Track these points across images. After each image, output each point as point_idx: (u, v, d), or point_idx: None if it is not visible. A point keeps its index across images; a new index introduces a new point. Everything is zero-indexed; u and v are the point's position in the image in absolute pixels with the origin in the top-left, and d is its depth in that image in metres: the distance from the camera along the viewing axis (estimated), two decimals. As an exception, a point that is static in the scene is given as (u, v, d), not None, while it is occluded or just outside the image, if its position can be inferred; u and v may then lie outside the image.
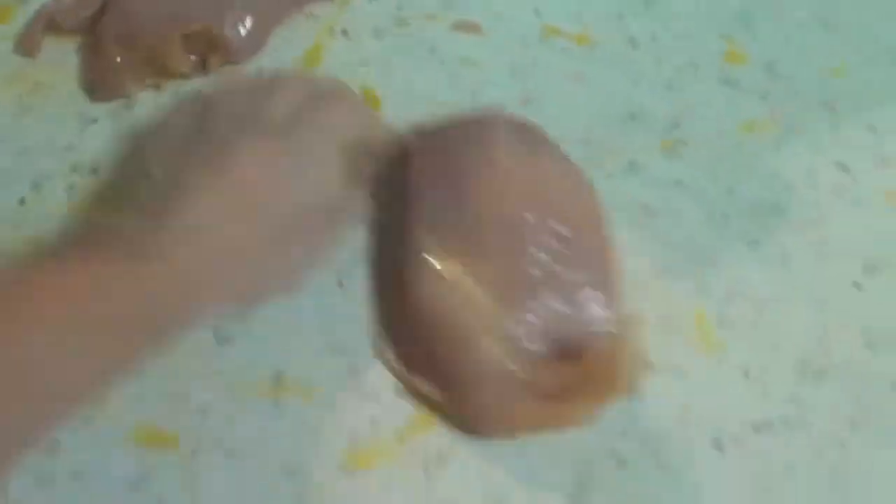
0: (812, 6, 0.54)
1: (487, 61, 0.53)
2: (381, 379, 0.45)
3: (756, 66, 0.51)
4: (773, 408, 0.45)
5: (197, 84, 0.52)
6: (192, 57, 0.52)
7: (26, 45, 0.53)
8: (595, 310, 0.41)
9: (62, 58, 0.53)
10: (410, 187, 0.44)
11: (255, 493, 0.42)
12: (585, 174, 0.44)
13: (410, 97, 0.51)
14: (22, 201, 0.49)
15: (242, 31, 0.52)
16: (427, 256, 0.41)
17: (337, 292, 0.46)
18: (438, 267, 0.41)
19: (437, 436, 0.44)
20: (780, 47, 0.52)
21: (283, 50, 0.53)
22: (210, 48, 0.52)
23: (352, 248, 0.47)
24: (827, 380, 0.46)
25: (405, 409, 0.44)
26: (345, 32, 0.54)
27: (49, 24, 0.53)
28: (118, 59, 0.51)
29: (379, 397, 0.45)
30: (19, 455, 0.37)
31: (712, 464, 0.45)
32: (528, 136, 0.45)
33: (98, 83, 0.52)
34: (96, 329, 0.37)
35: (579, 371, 0.41)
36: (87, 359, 0.37)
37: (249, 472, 0.43)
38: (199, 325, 0.43)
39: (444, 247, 0.41)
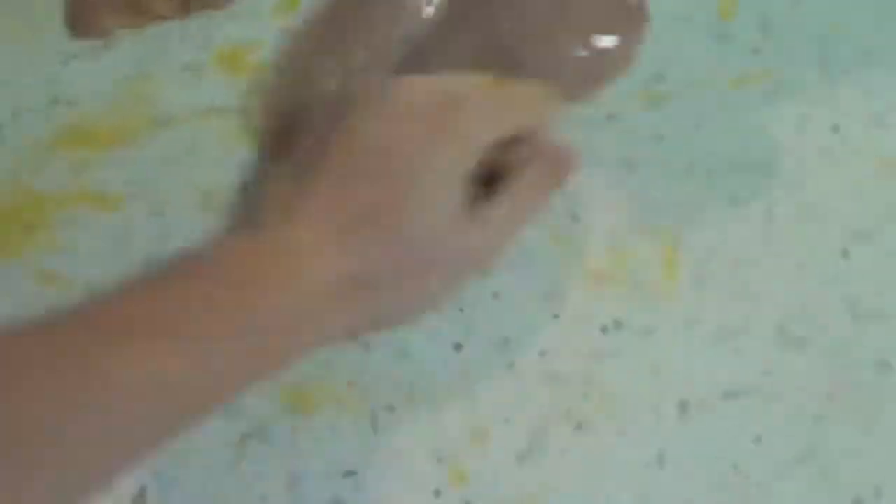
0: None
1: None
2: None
3: (750, 21, 0.49)
4: (745, 375, 0.43)
5: (176, 25, 0.51)
6: (173, -2, 0.51)
7: (12, -19, 0.53)
8: None
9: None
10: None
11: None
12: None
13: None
14: (-1, 128, 0.49)
15: (223, -26, 0.51)
16: None
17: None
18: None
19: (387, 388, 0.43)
20: (777, 3, 0.49)
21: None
22: (191, -10, 0.51)
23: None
24: (805, 350, 0.43)
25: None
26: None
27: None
28: (99, -2, 0.51)
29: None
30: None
31: (676, 430, 0.42)
32: None
33: (79, 20, 0.52)
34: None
35: None
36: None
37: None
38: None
39: None
